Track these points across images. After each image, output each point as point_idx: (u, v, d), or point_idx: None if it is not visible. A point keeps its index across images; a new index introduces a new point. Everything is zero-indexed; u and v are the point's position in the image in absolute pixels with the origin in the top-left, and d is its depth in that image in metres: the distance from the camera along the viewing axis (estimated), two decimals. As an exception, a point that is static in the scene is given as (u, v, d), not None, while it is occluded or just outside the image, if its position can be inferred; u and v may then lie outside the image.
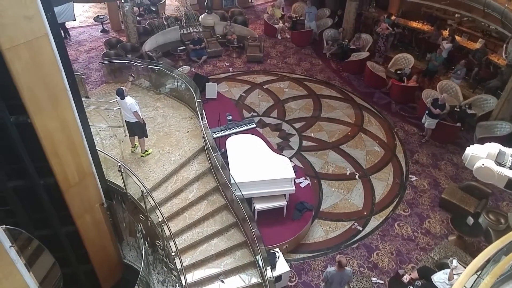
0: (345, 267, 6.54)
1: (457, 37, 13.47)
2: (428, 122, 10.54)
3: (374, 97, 12.74)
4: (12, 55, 4.35)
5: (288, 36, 15.83)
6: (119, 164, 6.71)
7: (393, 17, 14.62)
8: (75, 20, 15.23)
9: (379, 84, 12.96)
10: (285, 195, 8.16)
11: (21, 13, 4.30)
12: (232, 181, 7.38)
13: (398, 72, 12.93)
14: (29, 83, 4.57)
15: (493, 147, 4.38)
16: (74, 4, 14.30)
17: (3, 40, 4.22)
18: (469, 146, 4.53)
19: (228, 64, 14.07)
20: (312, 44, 15.39)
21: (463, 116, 11.05)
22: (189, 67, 13.11)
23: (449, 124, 10.84)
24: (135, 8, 15.97)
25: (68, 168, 5.33)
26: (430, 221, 8.87)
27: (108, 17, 16.16)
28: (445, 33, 13.77)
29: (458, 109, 11.20)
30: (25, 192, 5.27)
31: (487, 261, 3.93)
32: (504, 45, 11.16)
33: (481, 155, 4.39)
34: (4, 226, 3.45)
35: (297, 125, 11.31)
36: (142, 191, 6.66)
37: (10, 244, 3.39)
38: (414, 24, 14.76)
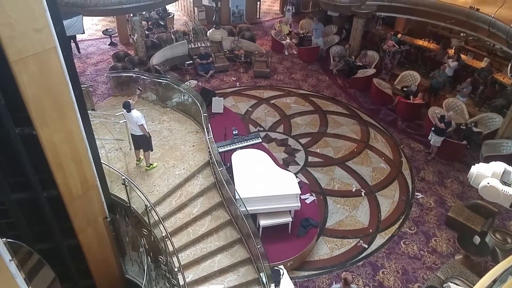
0: (351, 285, 6.41)
1: (462, 56, 13.47)
2: (434, 139, 10.45)
3: (380, 114, 12.69)
4: (20, 67, 4.38)
5: (295, 52, 15.92)
6: (124, 177, 6.67)
7: (399, 35, 14.68)
8: (84, 33, 15.41)
9: (386, 101, 12.93)
10: (290, 211, 8.06)
11: (31, 26, 4.34)
12: (237, 197, 7.30)
13: (405, 89, 12.91)
14: (35, 95, 4.59)
15: (498, 166, 4.33)
16: (84, 17, 14.51)
17: (11, 52, 4.25)
18: (474, 165, 4.49)
19: (235, 79, 14.14)
20: (319, 61, 15.45)
21: (469, 134, 10.95)
22: (196, 81, 13.19)
23: (455, 142, 10.73)
24: (144, 22, 16.18)
25: (72, 181, 5.30)
26: (436, 240, 8.70)
27: (116, 31, 16.38)
28: (451, 51, 13.79)
29: (464, 127, 11.11)
30: (27, 204, 5.23)
31: (494, 281, 3.82)
32: (510, 64, 11.12)
33: (486, 174, 4.34)
34: (4, 239, 3.40)
35: (303, 141, 11.26)
36: (145, 205, 6.61)
37: (10, 258, 3.34)
38: (420, 42, 14.80)
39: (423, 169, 10.53)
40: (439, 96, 12.95)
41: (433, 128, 10.44)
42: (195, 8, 17.86)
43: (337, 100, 13.22)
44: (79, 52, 15.26)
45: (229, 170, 8.32)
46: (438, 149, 10.67)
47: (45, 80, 4.66)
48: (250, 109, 12.49)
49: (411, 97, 12.37)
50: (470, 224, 8.58)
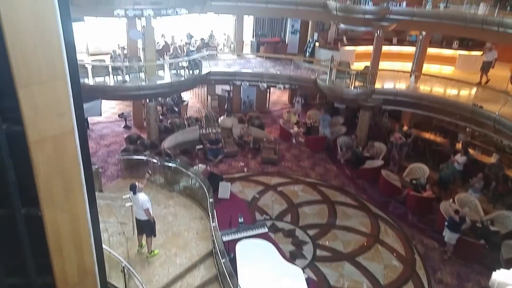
0: None
1: (470, 151, 13.57)
2: (448, 236, 10.03)
3: (390, 206, 12.42)
4: (37, 148, 4.40)
5: (303, 141, 16.23)
6: (123, 265, 6.33)
7: (405, 128, 15.04)
8: (101, 115, 16.04)
9: (395, 193, 12.75)
10: (296, 311, 7.43)
11: (54, 110, 4.46)
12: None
13: (413, 182, 12.81)
14: (47, 175, 4.54)
15: (521, 273, 4.04)
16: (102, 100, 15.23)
17: (32, 133, 4.31)
18: (495, 271, 4.21)
19: (243, 164, 14.24)
20: (326, 150, 15.66)
21: (486, 233, 10.49)
22: (204, 166, 13.27)
23: (472, 241, 10.23)
24: (159, 107, 16.90)
25: (69, 267, 4.99)
26: None
27: (132, 114, 17.03)
28: (458, 145, 13.95)
29: (480, 225, 10.71)
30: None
31: None
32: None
33: (509, 282, 4.05)
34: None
35: (311, 232, 10.86)
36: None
37: None
38: (427, 135, 15.09)
39: (440, 269, 9.90)
40: (450, 190, 12.76)
41: (446, 224, 10.09)
42: (208, 96, 18.78)
43: (346, 191, 13.07)
44: (88, 128, 15.64)
45: (233, 260, 7.90)
46: (454, 248, 10.16)
47: (59, 161, 4.65)
48: (257, 195, 12.34)
49: (421, 190, 12.21)
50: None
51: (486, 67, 14.00)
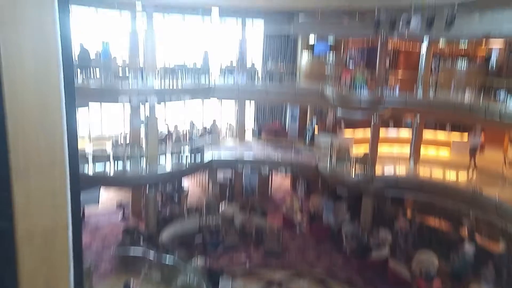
0: None
1: (477, 237, 13.02)
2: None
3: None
4: (25, 242, 4.06)
5: (306, 229, 15.61)
6: None
7: (408, 214, 14.61)
8: (98, 203, 15.57)
9: (404, 285, 11.87)
10: None
11: (49, 203, 4.22)
12: None
13: (422, 272, 11.97)
14: (31, 273, 4.12)
15: None
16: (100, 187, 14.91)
17: (22, 226, 4.02)
18: None
19: (245, 255, 13.52)
20: (331, 238, 15.01)
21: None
22: (204, 259, 12.51)
23: None
24: (158, 197, 16.53)
25: None
26: None
27: (130, 203, 16.58)
28: (464, 231, 13.43)
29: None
30: None
31: None
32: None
33: None
34: None
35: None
36: None
37: None
38: (431, 220, 14.61)
39: None
40: (462, 281, 11.86)
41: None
42: (210, 181, 18.53)
43: (354, 284, 12.19)
44: (83, 219, 15.04)
45: None
46: None
47: (47, 258, 4.25)
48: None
49: (431, 281, 11.35)
50: None
51: (472, 153, 14.15)
